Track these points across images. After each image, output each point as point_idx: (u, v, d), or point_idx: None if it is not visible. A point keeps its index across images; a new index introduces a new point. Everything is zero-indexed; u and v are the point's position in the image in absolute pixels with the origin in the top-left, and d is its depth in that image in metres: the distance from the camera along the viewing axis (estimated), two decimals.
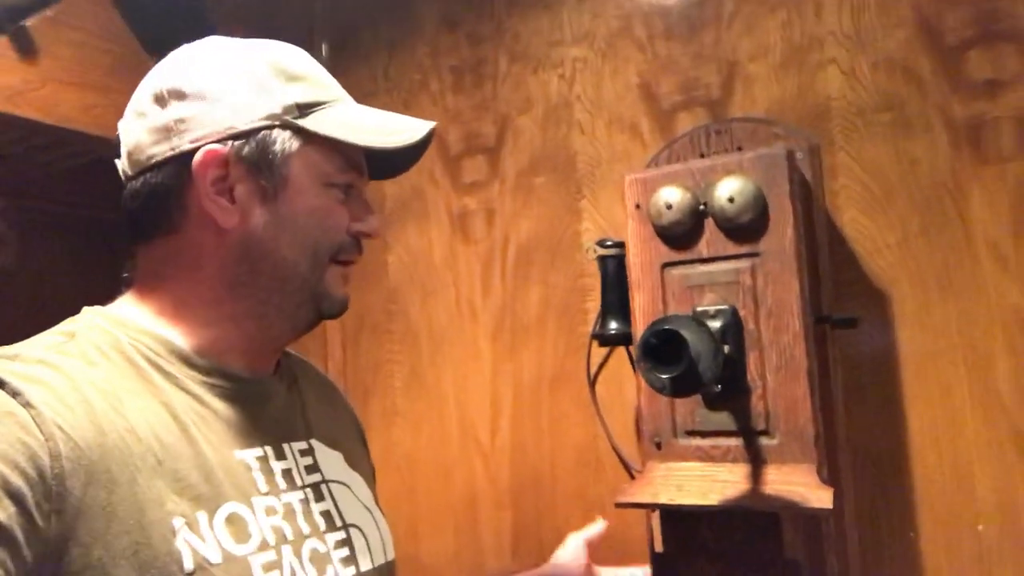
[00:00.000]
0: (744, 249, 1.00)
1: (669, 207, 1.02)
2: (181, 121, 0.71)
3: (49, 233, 1.91)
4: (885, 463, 1.07)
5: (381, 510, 0.89)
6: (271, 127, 0.72)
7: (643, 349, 0.84)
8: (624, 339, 1.15)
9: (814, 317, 1.02)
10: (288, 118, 0.72)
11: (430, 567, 1.44)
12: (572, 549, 1.10)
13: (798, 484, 0.92)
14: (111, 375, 0.66)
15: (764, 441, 0.97)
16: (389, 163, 0.80)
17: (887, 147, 1.10)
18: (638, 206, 1.07)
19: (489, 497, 1.40)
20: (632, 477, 1.23)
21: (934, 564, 1.03)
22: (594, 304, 1.21)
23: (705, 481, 0.98)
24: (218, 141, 0.71)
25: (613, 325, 1.16)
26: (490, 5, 1.44)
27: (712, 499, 0.94)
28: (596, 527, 1.14)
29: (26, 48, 1.35)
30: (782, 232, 0.97)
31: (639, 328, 1.04)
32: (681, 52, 1.25)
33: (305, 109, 0.73)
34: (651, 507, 1.02)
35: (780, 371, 0.97)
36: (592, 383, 1.30)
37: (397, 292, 1.53)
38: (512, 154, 1.41)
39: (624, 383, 1.26)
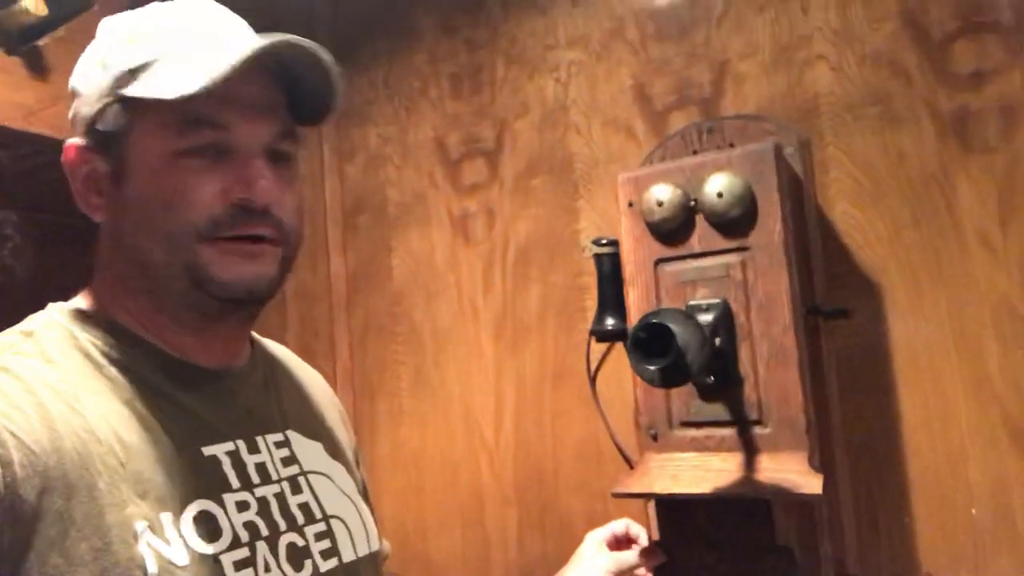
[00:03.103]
0: (734, 244, 1.02)
1: (660, 204, 1.05)
2: (72, 117, 0.70)
3: (62, 244, 1.96)
4: (879, 451, 1.09)
5: (368, 499, 0.86)
6: (107, 105, 0.65)
7: (633, 343, 0.87)
8: (620, 335, 1.17)
9: (805, 309, 1.04)
10: (119, 90, 0.65)
11: (438, 563, 1.47)
12: (593, 547, 1.04)
13: (790, 472, 0.94)
14: (69, 374, 0.63)
15: (757, 430, 0.99)
16: (310, 103, 0.68)
17: (876, 140, 1.12)
18: (631, 204, 1.09)
19: (495, 493, 1.42)
20: (632, 469, 1.25)
21: (929, 547, 1.04)
22: (593, 302, 1.23)
23: (699, 470, 1.00)
24: (83, 133, 0.67)
25: (610, 321, 1.18)
26: (486, 10, 1.47)
27: (705, 488, 0.97)
28: (617, 525, 1.06)
29: (39, 67, 1.40)
30: (770, 226, 0.99)
31: (634, 323, 1.07)
32: (673, 53, 1.28)
33: (136, 73, 0.64)
34: (646, 497, 1.05)
35: (771, 362, 0.99)
36: (592, 379, 1.33)
37: (401, 294, 1.56)
38: (511, 157, 1.44)
39: (624, 378, 1.28)
